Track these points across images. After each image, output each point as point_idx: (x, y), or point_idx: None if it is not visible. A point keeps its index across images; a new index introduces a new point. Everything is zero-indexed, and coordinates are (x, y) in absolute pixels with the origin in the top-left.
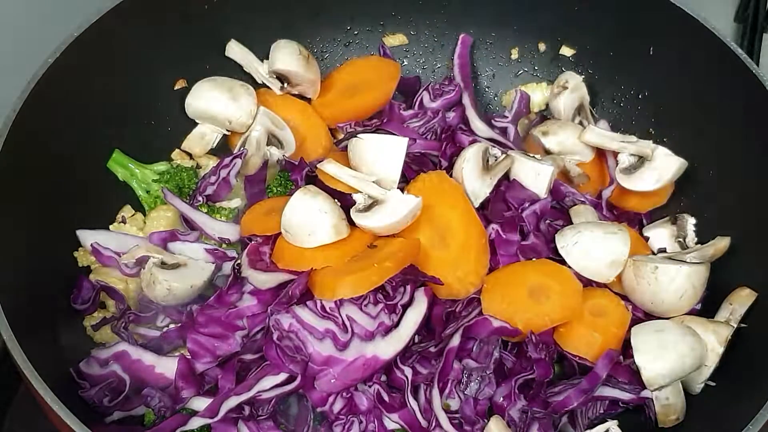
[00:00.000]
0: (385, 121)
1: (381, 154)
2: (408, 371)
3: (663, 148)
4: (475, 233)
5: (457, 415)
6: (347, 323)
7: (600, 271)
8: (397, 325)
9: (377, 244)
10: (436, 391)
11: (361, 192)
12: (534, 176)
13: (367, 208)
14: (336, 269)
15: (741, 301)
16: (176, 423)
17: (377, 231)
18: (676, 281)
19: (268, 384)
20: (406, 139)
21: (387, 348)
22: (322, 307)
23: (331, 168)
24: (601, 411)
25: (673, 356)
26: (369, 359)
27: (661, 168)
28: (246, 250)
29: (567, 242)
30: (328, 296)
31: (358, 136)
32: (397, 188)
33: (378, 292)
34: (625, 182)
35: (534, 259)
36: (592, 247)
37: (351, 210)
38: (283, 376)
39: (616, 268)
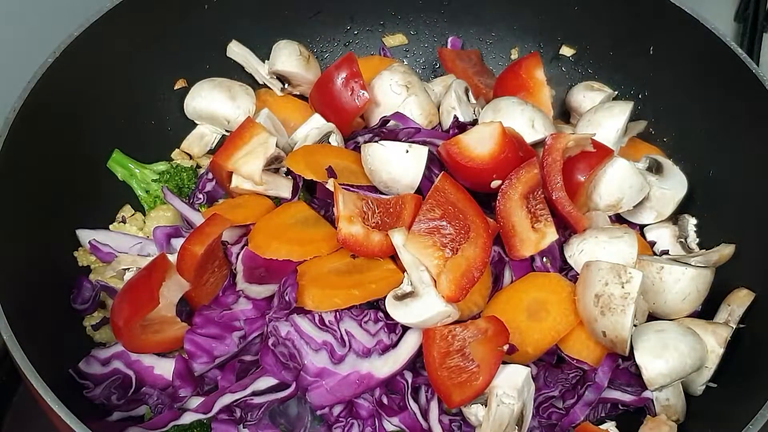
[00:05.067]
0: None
1: (401, 162)
2: (408, 374)
3: (657, 187)
4: None
5: (458, 418)
6: (345, 338)
7: None
8: (395, 344)
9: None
10: (435, 404)
11: (406, 276)
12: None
13: (401, 298)
14: (324, 281)
15: (739, 302)
16: (169, 417)
17: (403, 323)
18: (680, 283)
19: (263, 384)
20: (426, 148)
21: (383, 367)
22: (321, 319)
23: (398, 239)
24: (603, 414)
25: (675, 356)
26: (363, 375)
27: (659, 206)
28: (241, 256)
29: (573, 251)
30: (310, 306)
31: (380, 142)
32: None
33: (379, 309)
34: (627, 216)
35: (525, 277)
36: (598, 252)
37: (388, 295)
38: None
39: None
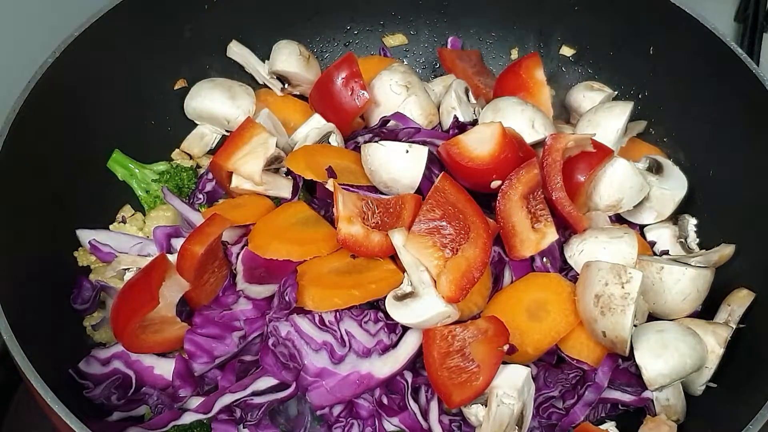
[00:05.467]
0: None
1: (401, 162)
2: (408, 375)
3: (657, 187)
4: None
5: (458, 418)
6: (345, 338)
7: None
8: (395, 345)
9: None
10: (435, 404)
11: (406, 276)
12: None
13: (401, 298)
14: (324, 281)
15: (739, 302)
16: (169, 417)
17: (403, 323)
18: (680, 283)
19: (264, 384)
20: (426, 148)
21: (383, 367)
22: (321, 319)
23: (398, 240)
24: (603, 414)
25: (675, 356)
26: (363, 375)
27: (659, 206)
28: (241, 256)
29: (573, 251)
30: (309, 306)
31: (380, 142)
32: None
33: (379, 310)
34: (627, 216)
35: (525, 277)
36: (598, 252)
37: (388, 295)
38: None
39: None
